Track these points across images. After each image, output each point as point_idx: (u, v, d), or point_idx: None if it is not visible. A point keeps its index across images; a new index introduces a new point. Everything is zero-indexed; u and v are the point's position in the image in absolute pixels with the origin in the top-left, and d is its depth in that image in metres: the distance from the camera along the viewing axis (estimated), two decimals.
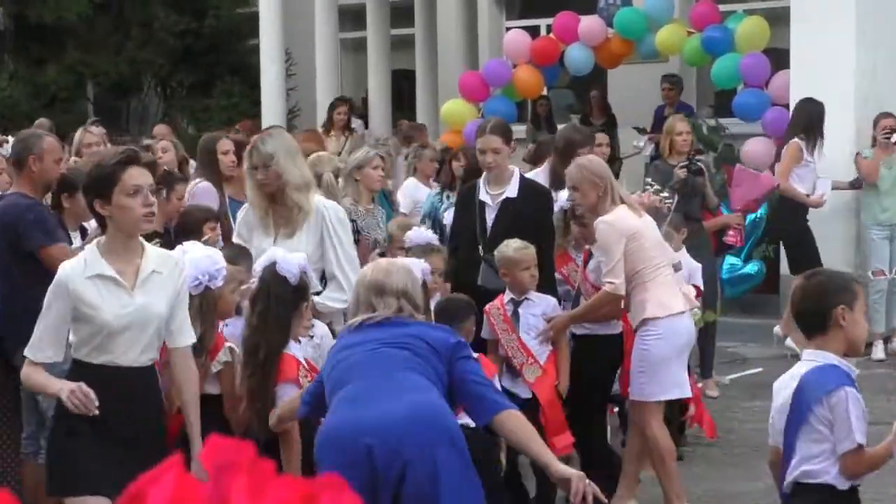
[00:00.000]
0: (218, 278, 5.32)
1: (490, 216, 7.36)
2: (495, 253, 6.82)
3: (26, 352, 4.86)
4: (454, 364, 4.52)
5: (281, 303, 5.33)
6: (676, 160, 9.51)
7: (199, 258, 5.31)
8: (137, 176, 4.70)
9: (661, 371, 6.69)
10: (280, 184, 6.15)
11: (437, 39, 16.96)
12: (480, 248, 7.21)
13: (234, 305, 5.61)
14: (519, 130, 15.90)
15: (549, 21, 15.52)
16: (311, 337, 5.69)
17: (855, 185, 11.11)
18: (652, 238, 6.82)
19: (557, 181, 8.57)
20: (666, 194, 8.13)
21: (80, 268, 4.76)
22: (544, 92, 15.86)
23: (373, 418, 4.26)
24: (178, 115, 19.07)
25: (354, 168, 8.26)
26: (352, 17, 18.50)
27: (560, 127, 13.22)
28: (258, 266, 5.51)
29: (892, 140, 10.72)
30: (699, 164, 9.57)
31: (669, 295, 6.81)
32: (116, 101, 20.36)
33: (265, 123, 15.04)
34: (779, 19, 13.54)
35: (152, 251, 4.89)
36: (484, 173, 7.54)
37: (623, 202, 6.77)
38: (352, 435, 4.25)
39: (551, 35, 14.93)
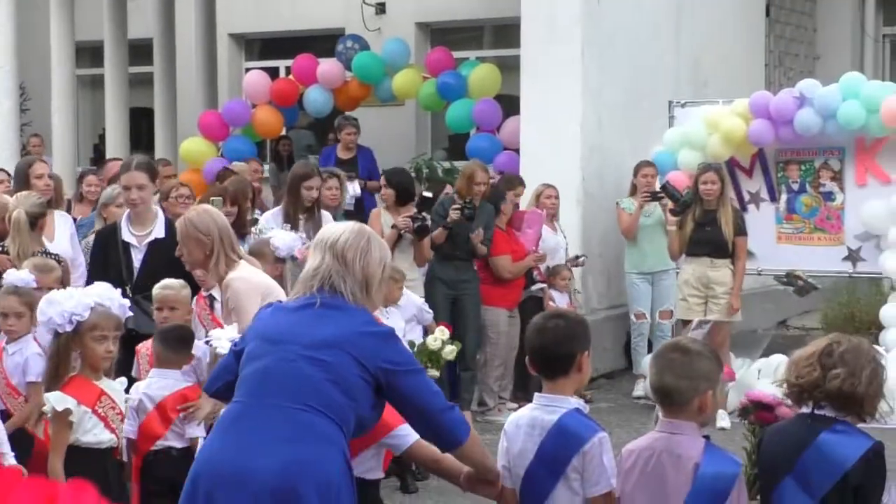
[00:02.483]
0: (64, 324, 5.25)
1: (137, 257, 7.24)
2: (154, 293, 6.55)
3: None
4: (391, 382, 4.09)
5: None
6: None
7: (73, 299, 5.30)
8: None
9: None
10: None
11: (177, 78, 16.91)
12: (128, 289, 6.92)
13: (100, 356, 5.34)
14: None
15: (289, 63, 15.75)
16: None
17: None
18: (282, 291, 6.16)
19: (287, 218, 8.78)
20: None
21: None
22: (284, 132, 16.04)
23: (249, 471, 3.93)
24: None
25: (102, 205, 8.10)
26: (89, 54, 18.24)
27: None
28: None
29: (655, 195, 10.80)
30: (471, 208, 9.83)
31: None
32: None
33: None
34: (510, 68, 14.10)
35: None
36: (125, 213, 7.44)
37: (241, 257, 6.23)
38: (231, 482, 3.96)
39: (290, 77, 15.16)
